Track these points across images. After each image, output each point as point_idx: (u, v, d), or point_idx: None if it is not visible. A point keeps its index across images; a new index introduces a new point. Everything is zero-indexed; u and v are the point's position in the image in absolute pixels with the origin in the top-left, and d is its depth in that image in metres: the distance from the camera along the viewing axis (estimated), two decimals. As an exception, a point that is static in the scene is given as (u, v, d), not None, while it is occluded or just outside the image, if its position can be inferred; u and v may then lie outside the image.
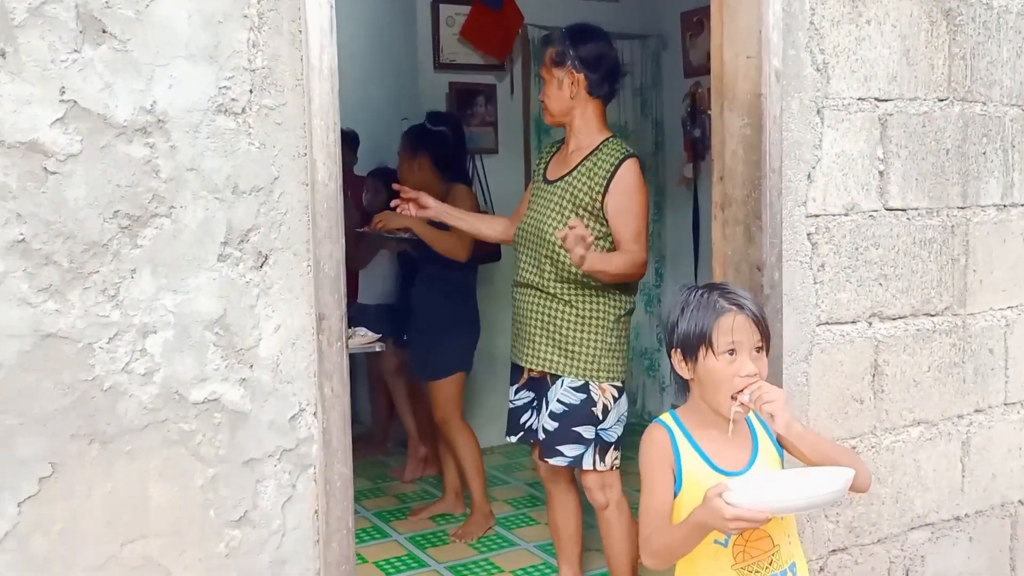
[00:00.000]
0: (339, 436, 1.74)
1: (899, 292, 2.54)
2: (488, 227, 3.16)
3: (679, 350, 1.93)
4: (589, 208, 2.67)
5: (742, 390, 1.86)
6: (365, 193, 4.87)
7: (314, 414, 1.74)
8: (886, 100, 2.47)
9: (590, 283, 2.67)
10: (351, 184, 5.08)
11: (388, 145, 4.96)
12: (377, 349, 3.65)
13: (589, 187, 2.68)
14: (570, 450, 2.70)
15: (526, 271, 2.79)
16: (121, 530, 1.58)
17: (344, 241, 1.74)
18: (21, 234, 1.47)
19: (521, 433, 2.87)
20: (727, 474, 1.89)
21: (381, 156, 5.13)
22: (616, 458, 2.77)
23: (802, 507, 1.81)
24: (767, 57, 2.21)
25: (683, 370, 1.93)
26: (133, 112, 1.55)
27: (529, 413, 2.85)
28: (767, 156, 2.24)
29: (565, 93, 2.70)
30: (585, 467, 2.72)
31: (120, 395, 1.57)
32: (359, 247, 4.73)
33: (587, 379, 2.69)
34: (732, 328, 1.85)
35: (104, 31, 1.52)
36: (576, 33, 2.74)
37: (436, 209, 3.05)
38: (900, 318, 2.55)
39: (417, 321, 4.08)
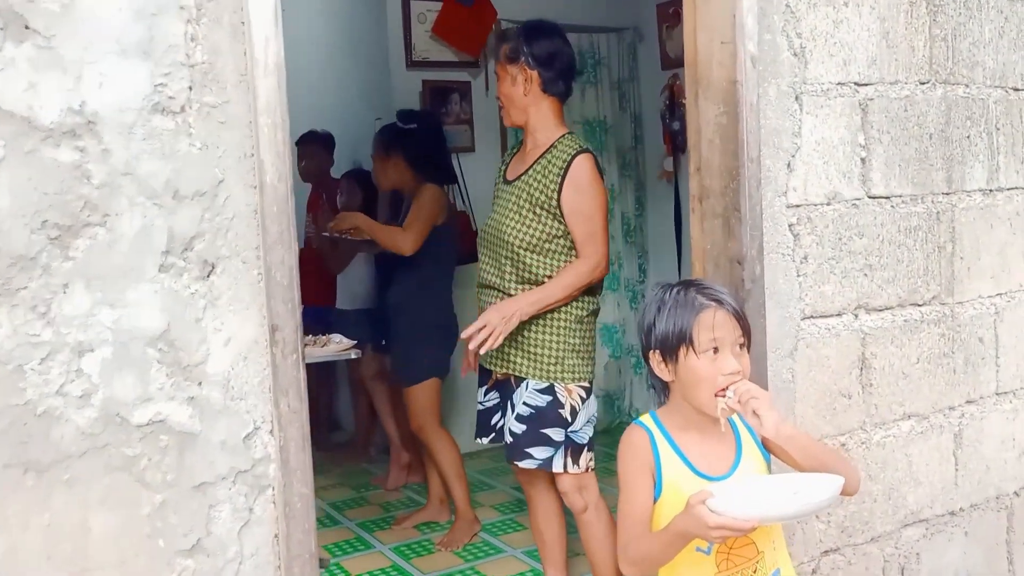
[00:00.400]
0: (298, 455, 1.63)
1: (885, 282, 2.45)
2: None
3: (658, 351, 1.84)
4: (545, 207, 2.63)
5: (726, 388, 1.78)
6: (340, 195, 4.76)
7: (270, 432, 1.63)
8: (866, 84, 2.38)
9: (541, 283, 2.63)
10: (328, 186, 4.97)
11: (362, 146, 4.85)
12: (352, 356, 3.57)
13: (544, 185, 2.63)
14: (539, 452, 2.65)
15: (487, 272, 2.75)
16: (62, 564, 1.47)
17: (297, 247, 1.63)
18: (-61, 249, 1.36)
19: (492, 435, 2.81)
20: (709, 479, 1.81)
21: (355, 157, 5.02)
22: (591, 459, 2.71)
23: (790, 516, 1.73)
24: (742, 42, 2.12)
25: (663, 372, 1.85)
26: (60, 113, 1.43)
27: (499, 415, 2.79)
28: (744, 145, 2.14)
29: (519, 90, 2.67)
30: (556, 470, 2.66)
31: (55, 420, 1.46)
32: (336, 251, 4.63)
33: (552, 381, 2.64)
34: (713, 324, 1.77)
35: (27, 27, 1.41)
36: (530, 30, 2.71)
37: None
38: (887, 309, 2.46)
39: (392, 325, 3.98)
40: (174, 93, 1.52)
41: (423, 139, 3.94)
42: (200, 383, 1.56)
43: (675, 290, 1.83)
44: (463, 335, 2.63)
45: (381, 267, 4.45)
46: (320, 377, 5.31)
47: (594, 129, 5.28)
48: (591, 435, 2.70)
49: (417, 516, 4.10)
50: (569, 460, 2.65)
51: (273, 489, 1.64)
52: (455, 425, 4.58)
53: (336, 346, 3.51)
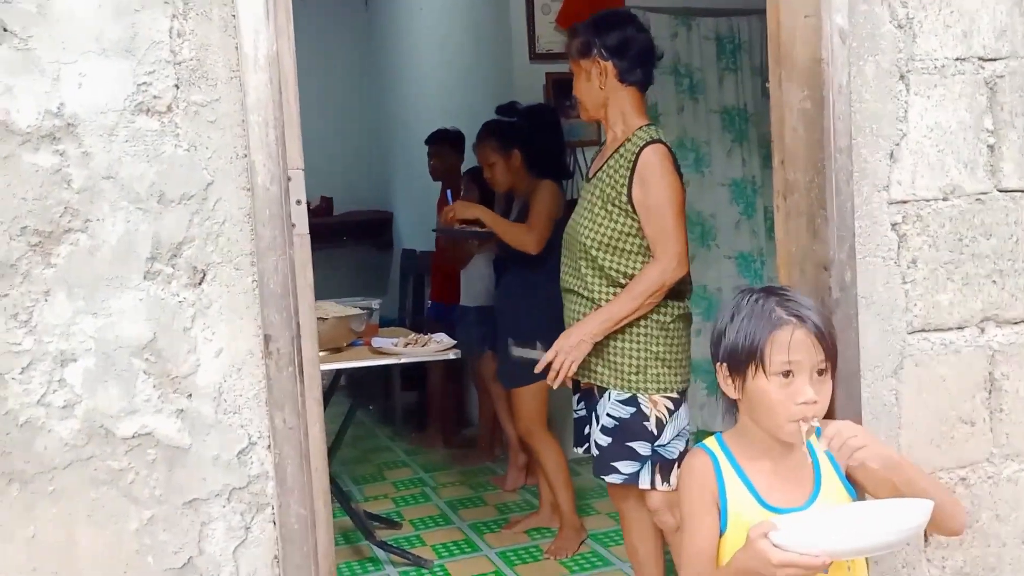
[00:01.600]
0: (295, 473, 1.54)
1: (1020, 290, 2.08)
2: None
3: (725, 365, 1.63)
4: (616, 203, 2.44)
5: (804, 419, 1.55)
6: (461, 192, 4.70)
7: (268, 447, 1.54)
8: (994, 59, 2.01)
9: (618, 284, 2.46)
10: (456, 185, 4.92)
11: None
12: (451, 356, 3.48)
13: (615, 180, 2.46)
14: (625, 467, 2.47)
15: (567, 276, 2.59)
16: (46, 578, 1.44)
17: (291, 252, 1.53)
18: (-83, 257, 1.35)
19: (586, 444, 2.65)
20: (780, 511, 1.57)
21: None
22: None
23: (866, 549, 1.49)
24: (828, 14, 1.83)
25: (728, 388, 1.64)
26: (38, 116, 1.40)
27: (588, 425, 2.62)
28: (831, 133, 1.86)
29: (595, 85, 2.49)
30: (642, 486, 2.46)
31: (38, 430, 1.42)
32: (457, 247, 4.58)
33: (634, 391, 2.45)
34: (789, 345, 1.54)
35: (5, 29, 1.38)
36: (599, 21, 2.57)
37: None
38: (1022, 322, 2.08)
39: (500, 326, 3.86)
40: (159, 92, 1.45)
41: (541, 134, 3.80)
42: (190, 395, 1.49)
43: (753, 297, 1.61)
44: (536, 369, 2.52)
45: (498, 265, 4.36)
46: (450, 373, 5.29)
47: (733, 118, 4.95)
48: (683, 449, 2.49)
49: (529, 521, 3.97)
50: (658, 476, 2.46)
51: (273, 508, 1.55)
52: (564, 430, 4.41)
53: (436, 346, 3.43)
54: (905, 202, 1.97)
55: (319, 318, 3.29)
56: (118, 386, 1.45)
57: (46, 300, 1.42)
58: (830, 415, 1.80)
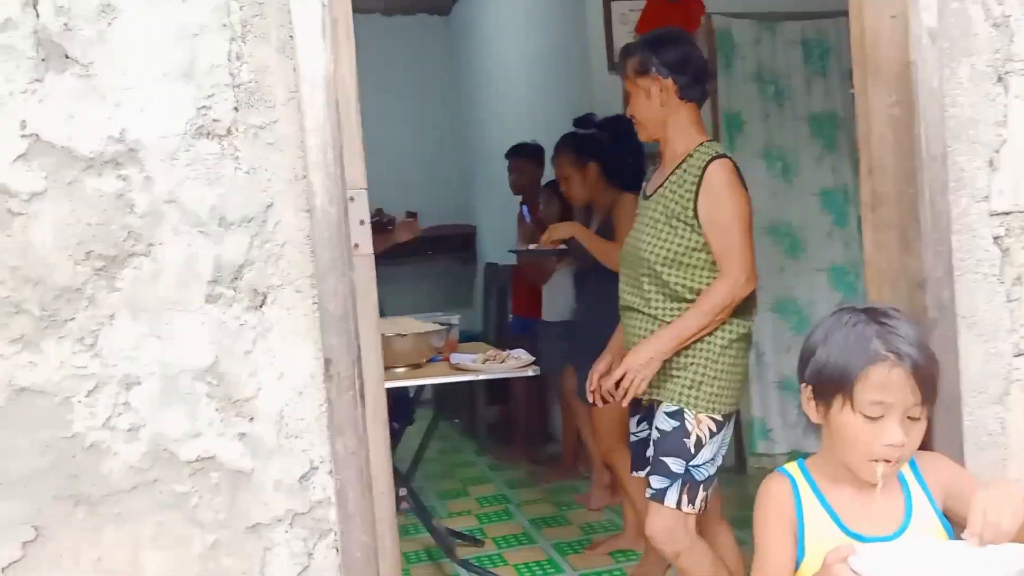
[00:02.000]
0: (357, 500, 1.51)
1: None
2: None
3: (810, 387, 1.54)
4: (682, 218, 2.40)
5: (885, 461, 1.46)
6: (540, 207, 4.66)
7: (329, 472, 1.52)
8: (1103, 54, 1.85)
9: (683, 299, 2.40)
10: (536, 199, 4.87)
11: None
12: (529, 373, 3.43)
13: (679, 196, 2.41)
14: (656, 482, 2.41)
15: (627, 294, 2.56)
16: (111, 601, 1.44)
17: (351, 274, 1.50)
18: (-13, 282, 1.38)
19: (647, 468, 2.57)
20: (864, 540, 1.48)
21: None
22: (704, 499, 2.42)
23: None
24: (916, 13, 1.71)
25: (811, 411, 1.54)
26: (101, 142, 1.41)
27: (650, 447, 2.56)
28: (923, 140, 1.73)
29: (654, 103, 2.46)
30: (668, 503, 2.38)
31: (103, 453, 1.43)
32: (537, 264, 4.54)
33: (682, 406, 2.39)
34: (884, 384, 1.44)
35: (66, 56, 1.39)
36: (655, 39, 2.54)
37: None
38: None
39: (580, 341, 3.79)
40: (219, 115, 1.45)
41: (619, 145, 3.73)
42: (251, 419, 1.48)
43: (852, 320, 1.51)
44: (605, 387, 2.48)
45: (578, 279, 4.30)
46: (533, 389, 5.24)
47: (822, 124, 4.76)
48: (711, 474, 2.42)
49: (613, 542, 3.88)
50: (685, 497, 2.38)
51: (336, 535, 1.53)
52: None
53: (514, 362, 3.39)
54: (1008, 213, 1.83)
55: (398, 335, 3.30)
56: (181, 409, 1.45)
57: (111, 324, 1.42)
58: (926, 445, 1.68)
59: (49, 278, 1.40)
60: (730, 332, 2.40)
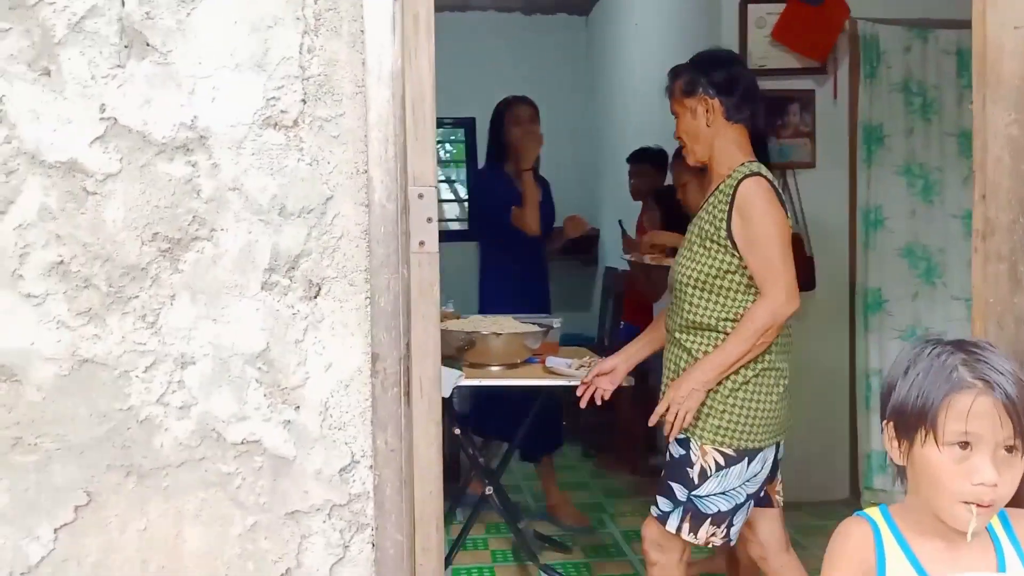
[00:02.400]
0: (394, 497, 1.50)
1: None
2: None
3: (891, 424, 1.43)
4: (715, 238, 2.31)
5: (979, 505, 1.33)
6: (642, 215, 4.57)
7: (370, 467, 1.52)
8: None
9: (713, 329, 2.30)
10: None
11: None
12: (623, 384, 3.34)
13: (713, 216, 2.33)
14: (662, 504, 2.35)
15: (668, 319, 2.50)
16: (154, 572, 1.49)
17: (405, 271, 1.50)
18: (60, 256, 1.45)
19: None
20: None
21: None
22: (714, 535, 2.31)
23: None
24: (1041, 24, 1.55)
25: (894, 451, 1.43)
26: (173, 128, 1.45)
27: None
28: (1041, 164, 1.57)
29: (701, 123, 2.40)
30: (669, 528, 2.32)
31: (156, 428, 1.48)
32: (648, 278, 4.44)
33: (688, 434, 2.31)
34: (968, 413, 1.32)
35: (147, 44, 1.45)
36: (704, 59, 2.49)
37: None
38: None
39: None
40: (286, 107, 1.47)
41: None
42: (297, 407, 1.50)
43: (936, 350, 1.40)
44: (650, 422, 2.41)
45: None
46: (639, 398, 5.14)
47: (971, 142, 4.44)
48: (726, 510, 2.30)
49: (704, 564, 3.75)
50: (687, 525, 2.30)
51: (373, 529, 1.53)
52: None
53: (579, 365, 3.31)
54: None
55: (494, 333, 3.30)
56: (231, 392, 1.48)
57: (171, 304, 1.47)
58: (1018, 500, 1.52)
59: (117, 256, 1.46)
60: (750, 368, 2.29)
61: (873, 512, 1.47)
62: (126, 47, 1.44)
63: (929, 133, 4.38)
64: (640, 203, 4.98)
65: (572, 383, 3.25)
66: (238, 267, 1.48)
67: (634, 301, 5.04)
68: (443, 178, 8.25)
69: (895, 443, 1.42)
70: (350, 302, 1.50)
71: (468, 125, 7.79)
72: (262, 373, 1.49)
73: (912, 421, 1.37)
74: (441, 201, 8.15)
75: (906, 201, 4.32)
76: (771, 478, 2.46)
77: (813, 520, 4.22)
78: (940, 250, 4.33)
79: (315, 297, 1.50)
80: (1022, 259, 1.62)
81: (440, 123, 7.99)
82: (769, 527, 2.56)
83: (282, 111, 1.47)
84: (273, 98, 1.47)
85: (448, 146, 8.35)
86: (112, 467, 1.48)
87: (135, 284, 1.47)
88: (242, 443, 1.49)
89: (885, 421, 1.44)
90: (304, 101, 1.47)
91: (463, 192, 8.04)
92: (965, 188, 4.38)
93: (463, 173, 8.03)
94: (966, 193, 4.39)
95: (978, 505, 1.31)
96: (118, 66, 1.45)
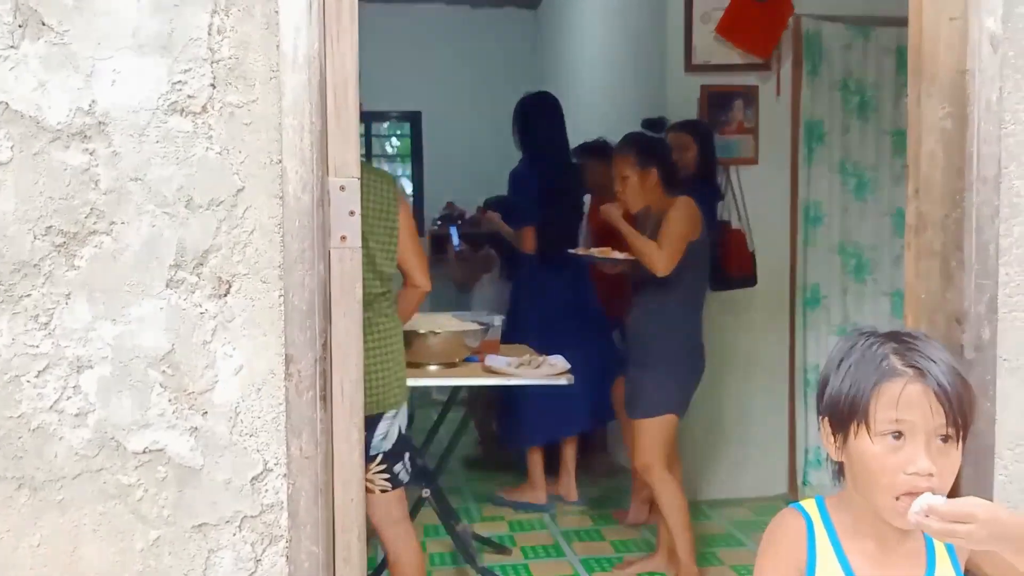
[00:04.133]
0: (309, 507, 1.42)
1: None
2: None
3: (827, 418, 1.39)
4: None
5: (909, 493, 1.29)
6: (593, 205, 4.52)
7: (283, 475, 1.43)
8: None
9: None
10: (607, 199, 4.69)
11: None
12: (563, 382, 3.30)
13: None
14: None
15: None
16: (49, 589, 1.39)
17: (321, 267, 1.41)
18: (-57, 251, 1.33)
19: None
20: None
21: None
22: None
23: None
24: (977, 16, 1.53)
25: (830, 447, 1.40)
26: (69, 114, 1.35)
27: None
28: (975, 160, 1.55)
29: None
30: None
31: (49, 437, 1.38)
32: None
33: None
34: (899, 401, 1.28)
35: (43, 23, 1.34)
36: None
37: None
38: None
39: (629, 350, 3.64)
40: (194, 91, 1.38)
41: (668, 151, 3.59)
42: (205, 413, 1.41)
43: (868, 341, 1.36)
44: None
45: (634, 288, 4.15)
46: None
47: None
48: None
49: (644, 564, 3.72)
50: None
51: (287, 541, 1.44)
52: (691, 471, 4.14)
53: (549, 368, 3.26)
54: (1070, 248, 1.62)
55: (432, 332, 3.22)
56: (132, 397, 1.39)
57: (67, 303, 1.37)
58: (954, 495, 1.50)
59: (7, 252, 1.35)
60: None
61: (808, 506, 1.44)
62: (20, 27, 1.34)
63: (865, 132, 4.41)
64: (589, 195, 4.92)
65: (512, 382, 3.20)
66: (140, 263, 1.38)
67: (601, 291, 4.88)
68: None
69: (831, 439, 1.39)
70: (262, 300, 1.41)
71: (414, 119, 7.68)
72: (166, 377, 1.40)
73: (845, 413, 1.34)
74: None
75: (839, 199, 4.35)
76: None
77: (751, 516, 4.23)
78: (872, 247, 4.37)
79: (224, 295, 1.40)
80: (954, 255, 1.60)
81: (385, 117, 7.89)
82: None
83: (189, 96, 1.38)
84: (179, 82, 1.37)
85: (395, 140, 8.23)
86: (2, 479, 1.37)
87: (27, 282, 1.36)
88: (144, 452, 1.40)
89: (821, 416, 1.41)
90: (213, 86, 1.38)
91: (409, 188, 7.92)
92: (897, 187, 4.43)
93: (409, 168, 7.92)
94: (898, 191, 4.43)
95: (911, 495, 1.28)
96: (11, 47, 1.34)
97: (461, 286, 5.61)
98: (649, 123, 3.67)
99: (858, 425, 1.31)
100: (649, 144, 3.65)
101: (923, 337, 1.37)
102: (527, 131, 4.39)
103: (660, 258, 3.28)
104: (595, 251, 3.64)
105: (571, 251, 3.86)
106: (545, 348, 3.56)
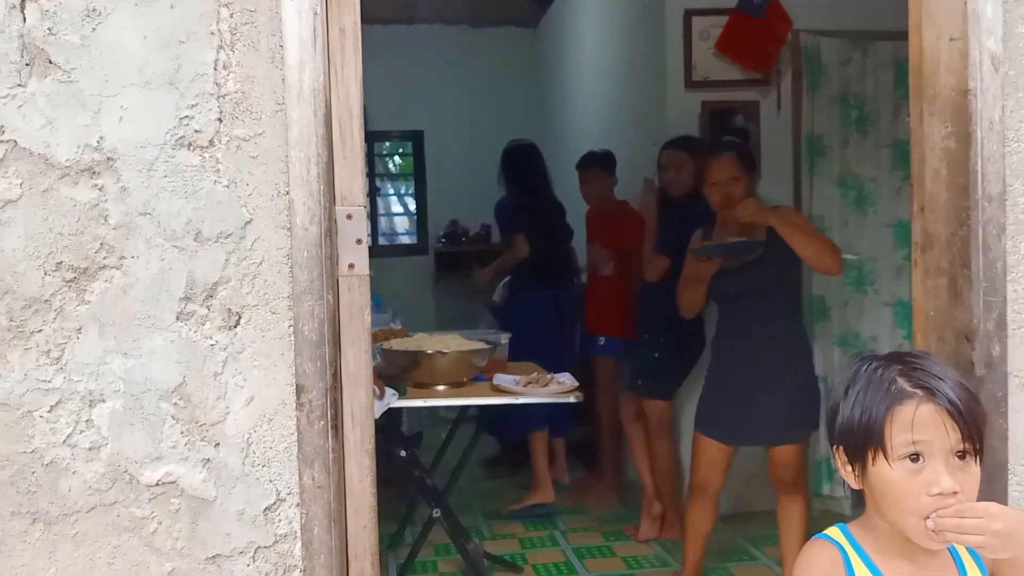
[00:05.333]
0: (323, 536, 1.42)
1: None
2: None
3: (841, 448, 1.38)
4: None
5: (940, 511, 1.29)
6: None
7: (296, 505, 1.44)
8: None
9: None
10: (609, 209, 4.65)
11: (633, 171, 4.57)
12: (571, 400, 3.29)
13: None
14: None
15: None
16: (64, 624, 1.39)
17: (329, 297, 1.42)
18: (-45, 288, 1.35)
19: None
20: None
21: (627, 180, 4.75)
22: None
23: None
24: (977, 36, 1.54)
25: (848, 476, 1.39)
26: (77, 150, 1.36)
27: None
28: (979, 178, 1.56)
29: None
30: None
31: (62, 471, 1.38)
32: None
33: None
34: (913, 422, 1.28)
35: (50, 61, 1.36)
36: None
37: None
38: None
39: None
40: (201, 126, 1.39)
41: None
42: (217, 444, 1.41)
43: (872, 365, 1.36)
44: None
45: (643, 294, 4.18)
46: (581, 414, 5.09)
47: (906, 154, 4.32)
48: None
49: (665, 580, 3.70)
50: None
51: (301, 571, 1.44)
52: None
53: (558, 387, 3.26)
54: (1076, 262, 1.62)
55: (439, 352, 3.22)
56: (144, 430, 1.39)
57: (78, 338, 1.38)
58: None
59: (18, 288, 1.36)
60: None
61: (835, 533, 1.43)
62: (27, 65, 1.35)
63: (864, 145, 4.42)
64: (587, 209, 4.91)
65: (519, 400, 3.19)
66: (150, 297, 1.39)
67: (600, 310, 4.83)
68: (392, 192, 8.15)
69: (848, 468, 1.38)
70: (272, 331, 1.42)
71: (416, 138, 7.71)
72: (178, 409, 1.40)
73: (860, 441, 1.33)
74: (392, 215, 8.06)
75: (839, 211, 4.36)
76: None
77: (763, 530, 4.21)
78: (872, 259, 4.38)
79: (235, 327, 1.41)
80: (961, 273, 1.60)
81: (387, 136, 7.92)
82: None
83: (196, 131, 1.39)
84: (186, 117, 1.38)
85: (397, 159, 8.26)
86: (17, 514, 1.38)
87: (38, 317, 1.37)
88: (157, 485, 1.40)
89: (834, 446, 1.40)
90: (220, 120, 1.39)
91: (413, 206, 7.95)
92: (897, 199, 4.43)
93: (412, 186, 7.95)
94: (898, 203, 4.44)
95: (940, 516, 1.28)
96: (18, 85, 1.35)
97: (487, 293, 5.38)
98: (736, 132, 3.56)
99: (875, 452, 1.30)
100: (749, 151, 3.49)
101: (925, 355, 1.37)
102: (511, 176, 4.76)
103: (836, 255, 3.03)
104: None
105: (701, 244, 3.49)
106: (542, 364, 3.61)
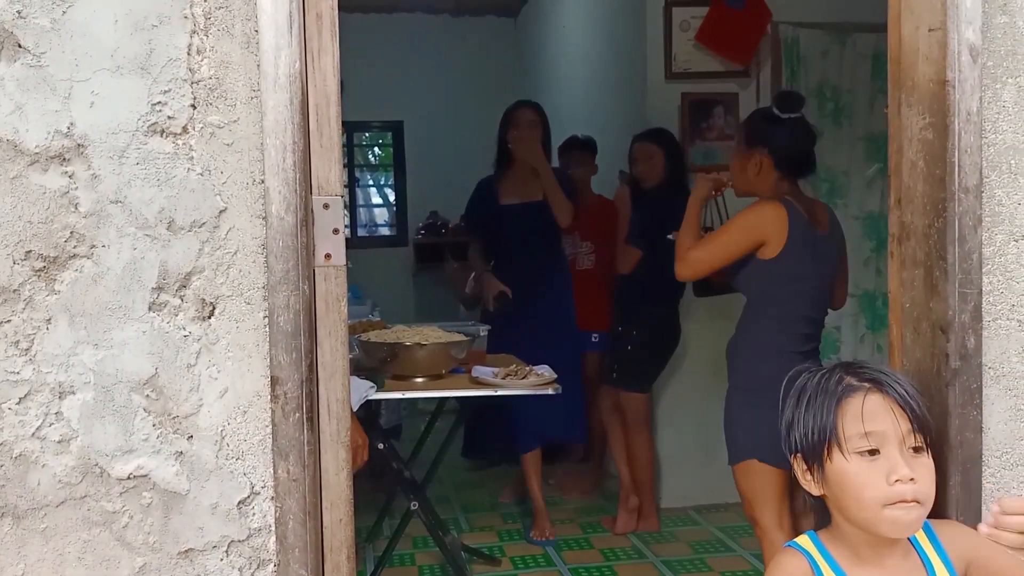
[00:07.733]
0: (297, 529, 1.40)
1: None
2: None
3: (799, 455, 1.41)
4: None
5: (896, 503, 1.30)
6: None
7: (271, 498, 1.42)
8: None
9: None
10: (588, 198, 4.62)
11: (613, 162, 4.57)
12: (551, 392, 3.29)
13: None
14: None
15: None
16: (34, 619, 1.36)
17: (305, 287, 1.40)
18: (-80, 278, 1.31)
19: None
20: None
21: (606, 172, 4.75)
22: None
23: None
24: (956, 27, 1.54)
25: (809, 484, 1.41)
26: (47, 137, 1.33)
27: None
28: (956, 169, 1.56)
29: None
30: None
31: (32, 464, 1.36)
32: None
33: None
34: (863, 412, 1.32)
35: (19, 45, 1.32)
36: None
37: None
38: None
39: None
40: (174, 112, 1.36)
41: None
42: (190, 437, 1.39)
43: (819, 375, 1.41)
44: None
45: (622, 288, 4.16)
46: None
47: (880, 146, 4.33)
48: None
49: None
50: None
51: (275, 565, 1.43)
52: (679, 477, 4.17)
53: (536, 379, 3.25)
54: (1052, 255, 1.63)
55: (417, 344, 3.20)
56: (115, 423, 1.37)
57: (47, 328, 1.35)
58: (939, 511, 1.50)
59: (-15, 277, 1.33)
60: None
61: (804, 542, 1.44)
62: (-6, 49, 1.32)
63: (839, 137, 4.45)
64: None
65: (498, 392, 3.18)
66: (122, 287, 1.36)
67: (587, 306, 4.80)
68: (372, 183, 8.10)
69: (807, 475, 1.40)
70: (247, 322, 1.40)
71: (396, 128, 7.67)
72: (150, 401, 1.38)
73: (815, 441, 1.37)
74: (372, 206, 8.01)
75: (810, 204, 4.38)
76: None
77: (739, 520, 4.23)
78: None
79: (208, 317, 1.39)
80: (937, 264, 1.60)
81: (367, 126, 7.87)
82: None
83: (169, 117, 1.36)
84: (159, 103, 1.36)
85: (377, 150, 8.21)
86: (-16, 508, 1.35)
87: (6, 307, 1.34)
88: (129, 478, 1.38)
89: (792, 456, 1.42)
90: (194, 106, 1.37)
91: (392, 197, 7.91)
92: (868, 191, 4.46)
93: (392, 177, 7.90)
94: (868, 196, 4.46)
95: (902, 503, 1.29)
96: (-15, 70, 1.32)
97: (470, 300, 5.04)
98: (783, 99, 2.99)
99: (830, 448, 1.34)
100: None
101: (872, 361, 1.42)
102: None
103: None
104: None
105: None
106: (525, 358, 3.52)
